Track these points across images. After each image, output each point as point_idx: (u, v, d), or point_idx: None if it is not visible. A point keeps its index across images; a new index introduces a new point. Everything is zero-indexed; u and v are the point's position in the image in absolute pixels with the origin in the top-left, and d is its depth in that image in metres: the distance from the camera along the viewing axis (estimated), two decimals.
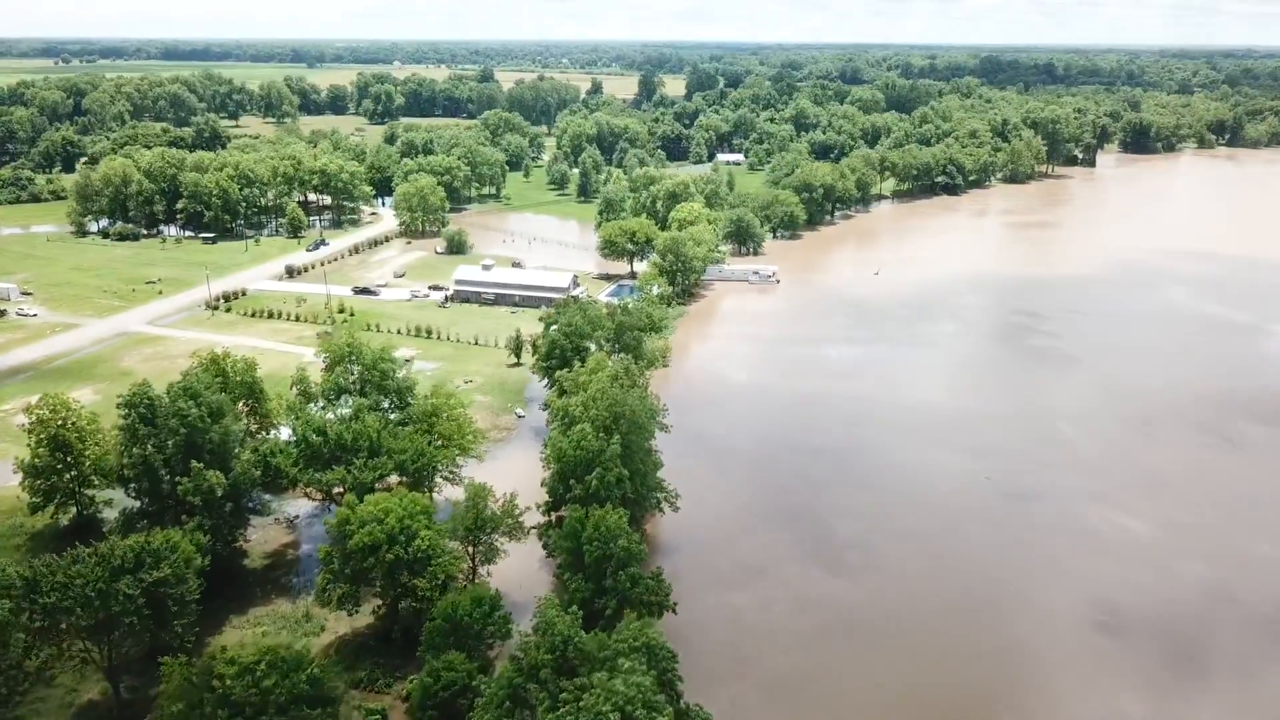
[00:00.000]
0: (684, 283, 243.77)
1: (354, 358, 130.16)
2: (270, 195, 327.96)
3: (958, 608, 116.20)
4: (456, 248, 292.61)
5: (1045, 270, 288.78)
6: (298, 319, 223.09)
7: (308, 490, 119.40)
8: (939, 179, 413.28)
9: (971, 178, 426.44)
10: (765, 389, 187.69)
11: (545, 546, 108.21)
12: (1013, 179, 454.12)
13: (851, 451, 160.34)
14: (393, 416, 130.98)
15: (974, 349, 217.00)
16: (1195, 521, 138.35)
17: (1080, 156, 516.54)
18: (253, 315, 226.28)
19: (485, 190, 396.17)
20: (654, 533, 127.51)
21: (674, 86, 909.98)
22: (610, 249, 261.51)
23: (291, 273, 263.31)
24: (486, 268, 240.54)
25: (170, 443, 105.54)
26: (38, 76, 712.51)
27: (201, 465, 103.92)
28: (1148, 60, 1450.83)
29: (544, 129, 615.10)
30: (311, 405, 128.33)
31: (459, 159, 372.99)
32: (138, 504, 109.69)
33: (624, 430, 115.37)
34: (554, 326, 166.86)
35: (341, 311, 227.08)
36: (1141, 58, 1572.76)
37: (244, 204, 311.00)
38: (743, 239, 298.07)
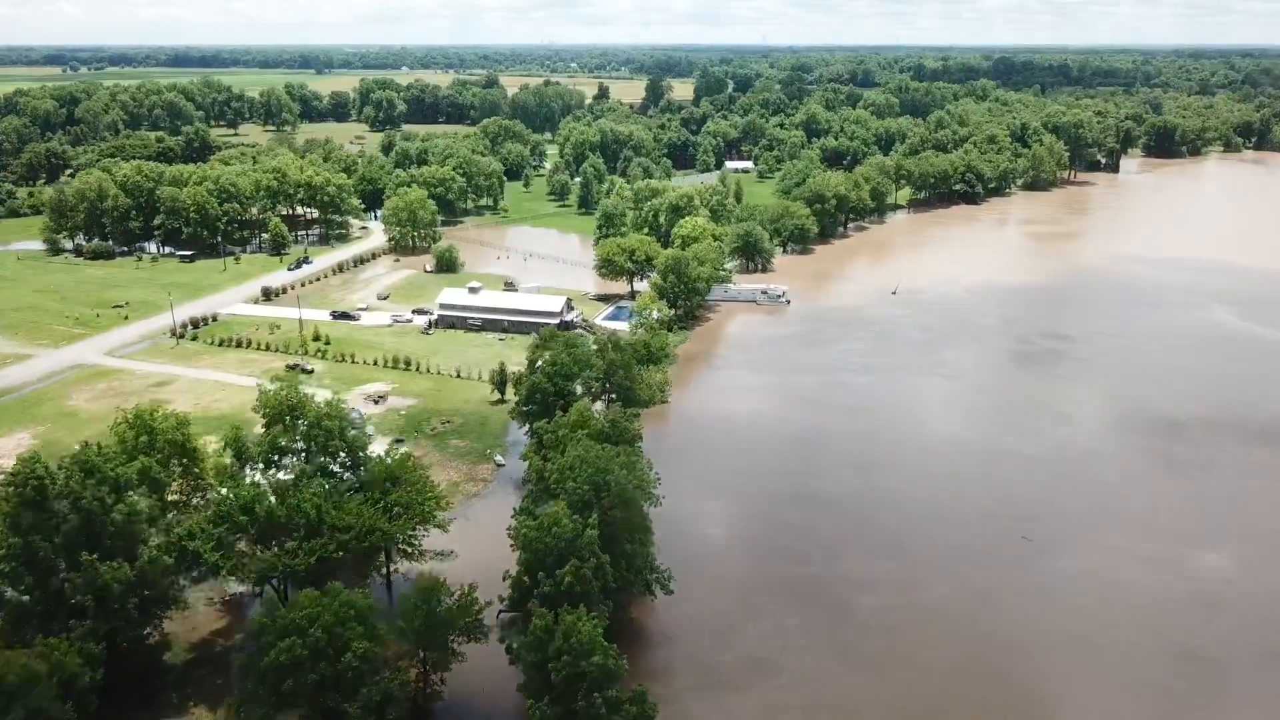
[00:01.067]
0: (686, 305, 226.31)
1: (297, 414, 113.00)
2: (254, 210, 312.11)
3: (999, 714, 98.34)
4: (446, 266, 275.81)
5: (1073, 286, 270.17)
6: (268, 348, 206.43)
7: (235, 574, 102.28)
8: (957, 187, 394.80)
9: (991, 185, 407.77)
10: (773, 428, 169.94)
11: (509, 651, 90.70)
12: (1034, 186, 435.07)
13: (870, 504, 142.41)
14: (347, 477, 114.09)
15: (1001, 378, 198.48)
16: (1265, 587, 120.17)
17: (1103, 162, 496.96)
18: (220, 344, 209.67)
19: (482, 201, 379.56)
20: (642, 619, 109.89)
21: (683, 90, 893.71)
22: (608, 268, 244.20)
23: (268, 295, 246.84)
24: (473, 290, 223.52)
25: (62, 529, 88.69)
26: (36, 84, 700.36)
27: (94, 556, 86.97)
28: (1163, 61, 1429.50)
29: (548, 136, 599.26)
30: (249, 469, 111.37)
31: (454, 170, 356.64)
32: (26, 599, 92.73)
33: (606, 506, 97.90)
34: (538, 365, 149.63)
35: (317, 339, 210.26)
36: (1157, 58, 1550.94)
37: (223, 220, 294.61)
38: (751, 254, 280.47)
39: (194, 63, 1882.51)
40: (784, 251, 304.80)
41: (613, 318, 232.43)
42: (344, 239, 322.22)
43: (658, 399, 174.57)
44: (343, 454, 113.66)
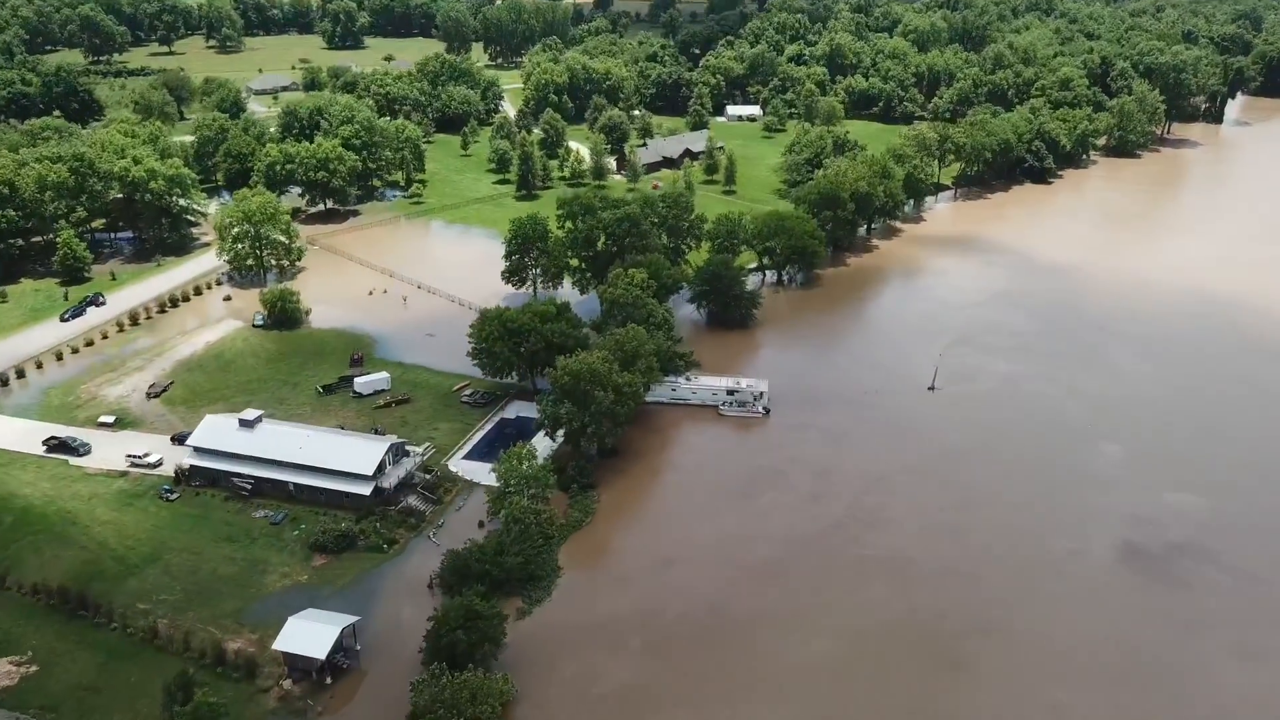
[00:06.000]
0: (595, 442, 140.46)
1: None
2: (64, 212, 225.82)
3: None
4: (282, 318, 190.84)
5: (1224, 368, 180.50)
6: None
7: None
8: (1023, 155, 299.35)
9: (1064, 151, 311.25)
10: None
11: None
12: (1120, 150, 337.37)
13: None
14: None
15: (1151, 623, 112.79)
16: None
17: (1204, 108, 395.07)
18: None
19: (395, 176, 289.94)
20: None
21: None
22: (488, 361, 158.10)
23: None
24: (246, 424, 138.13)
25: None
26: None
27: None
28: None
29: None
30: None
31: (348, 140, 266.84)
32: None
33: None
34: None
35: None
36: None
37: None
38: (723, 302, 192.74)
39: None
40: (779, 285, 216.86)
41: (489, 446, 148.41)
42: (181, 250, 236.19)
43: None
44: None
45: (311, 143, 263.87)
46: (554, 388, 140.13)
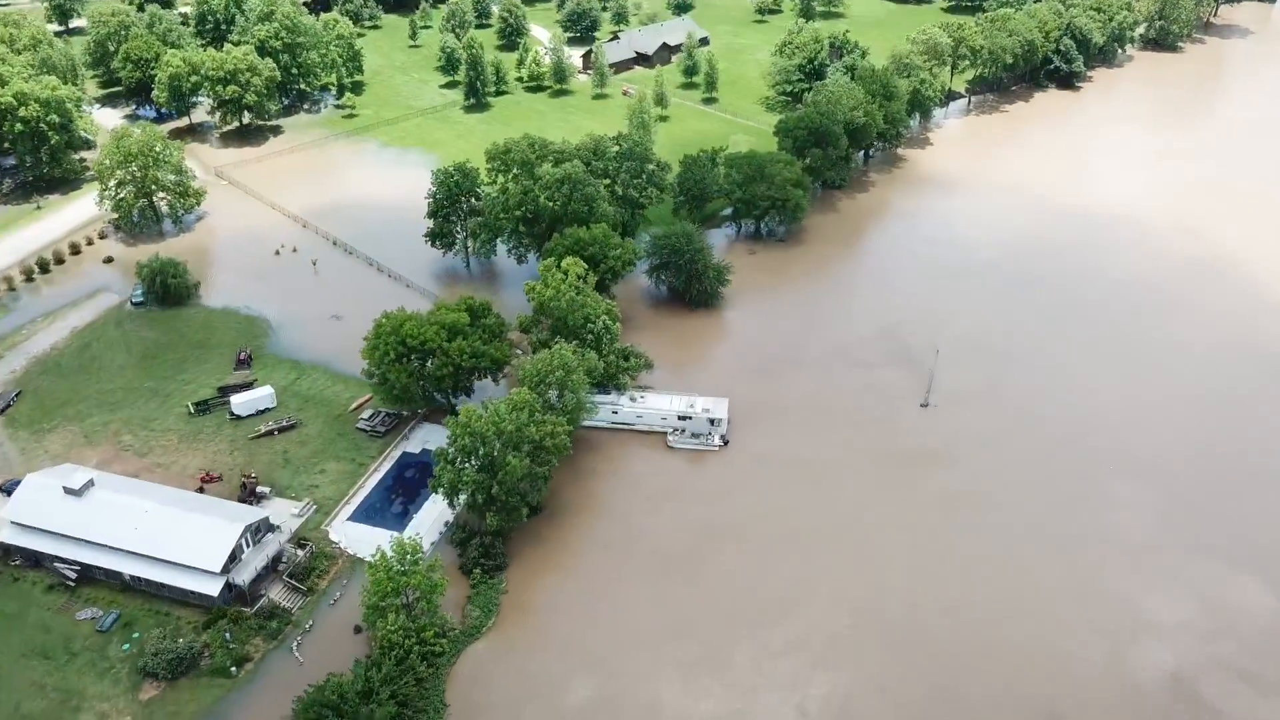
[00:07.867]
0: (505, 518, 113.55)
1: None
2: None
3: None
4: (167, 293, 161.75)
5: None
6: None
7: None
8: (1049, 57, 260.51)
9: (1097, 49, 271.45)
10: None
11: None
12: (1159, 42, 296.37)
13: None
14: None
15: None
16: None
17: None
18: None
19: (328, 79, 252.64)
20: None
21: None
22: (383, 390, 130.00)
23: None
24: (73, 492, 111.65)
25: None
26: None
27: None
28: None
29: None
30: None
31: (267, 41, 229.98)
32: None
33: None
34: None
35: None
36: None
37: None
38: (685, 277, 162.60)
39: None
40: (756, 235, 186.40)
41: (383, 496, 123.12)
42: (68, 184, 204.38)
43: None
44: None
45: (221, 48, 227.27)
46: (452, 444, 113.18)
